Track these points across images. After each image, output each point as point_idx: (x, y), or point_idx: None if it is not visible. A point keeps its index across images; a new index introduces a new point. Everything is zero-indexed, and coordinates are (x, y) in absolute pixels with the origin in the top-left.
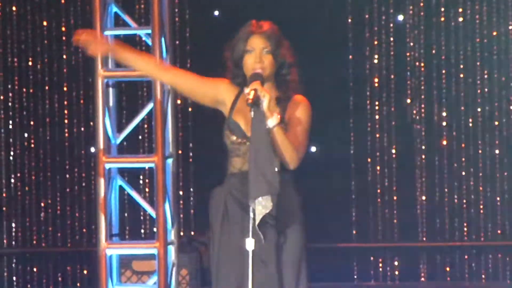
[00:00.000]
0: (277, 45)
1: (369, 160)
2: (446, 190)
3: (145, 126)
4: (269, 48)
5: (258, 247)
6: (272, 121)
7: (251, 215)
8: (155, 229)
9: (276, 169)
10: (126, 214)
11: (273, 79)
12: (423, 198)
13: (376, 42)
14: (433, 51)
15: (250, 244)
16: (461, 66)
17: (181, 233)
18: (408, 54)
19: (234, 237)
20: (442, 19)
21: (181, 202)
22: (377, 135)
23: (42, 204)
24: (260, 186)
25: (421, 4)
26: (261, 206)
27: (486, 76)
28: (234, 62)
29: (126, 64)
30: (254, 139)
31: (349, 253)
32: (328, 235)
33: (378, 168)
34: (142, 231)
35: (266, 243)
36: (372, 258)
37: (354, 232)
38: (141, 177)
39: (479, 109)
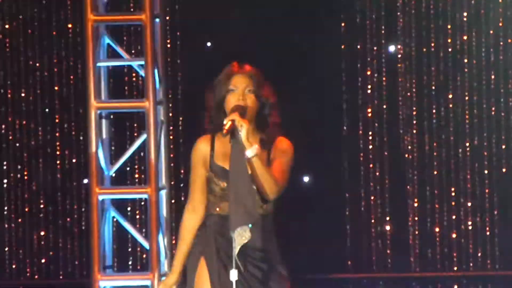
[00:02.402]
0: (259, 85)
1: (362, 190)
2: (437, 220)
3: (135, 157)
4: (252, 87)
5: (240, 278)
6: (250, 152)
7: (233, 245)
8: (144, 261)
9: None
10: (114, 246)
11: (254, 120)
12: (416, 227)
13: (368, 73)
14: (424, 81)
15: (233, 275)
16: (450, 96)
17: None
18: (400, 84)
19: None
20: (432, 49)
21: (174, 233)
22: (371, 166)
23: (35, 236)
24: (240, 216)
25: (412, 34)
26: (240, 236)
27: (475, 106)
28: (216, 103)
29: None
30: (233, 170)
31: (343, 284)
32: (322, 265)
33: (372, 198)
34: (130, 262)
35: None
36: None
37: (348, 262)
38: (129, 208)
39: (468, 139)
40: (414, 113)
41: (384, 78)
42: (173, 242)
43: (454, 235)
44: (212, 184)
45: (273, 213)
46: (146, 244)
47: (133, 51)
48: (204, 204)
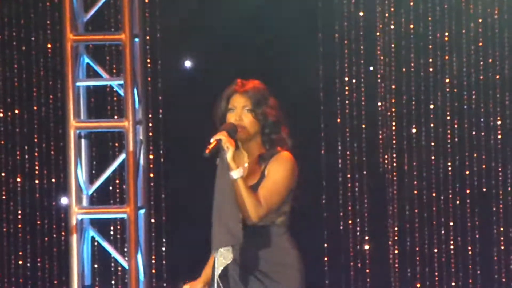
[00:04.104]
0: (258, 104)
1: (341, 209)
2: (417, 239)
3: (117, 176)
4: (250, 106)
5: None
6: (235, 173)
7: (215, 265)
8: (126, 280)
9: (241, 221)
10: (96, 265)
11: (259, 137)
12: (396, 247)
13: (347, 93)
14: (404, 101)
15: None
16: (432, 116)
17: (153, 285)
18: (379, 103)
19: None
20: (413, 69)
21: (154, 253)
22: (349, 185)
23: (13, 256)
24: (222, 236)
25: (392, 54)
26: (222, 257)
27: (456, 126)
28: (218, 120)
29: None
30: (218, 190)
31: None
32: None
33: (350, 217)
34: (113, 282)
35: None
36: None
37: (326, 281)
38: (111, 227)
39: (449, 159)
40: (394, 132)
41: (363, 98)
42: (153, 261)
43: (435, 255)
44: None
45: (283, 223)
46: (124, 264)
47: (114, 70)
48: None
